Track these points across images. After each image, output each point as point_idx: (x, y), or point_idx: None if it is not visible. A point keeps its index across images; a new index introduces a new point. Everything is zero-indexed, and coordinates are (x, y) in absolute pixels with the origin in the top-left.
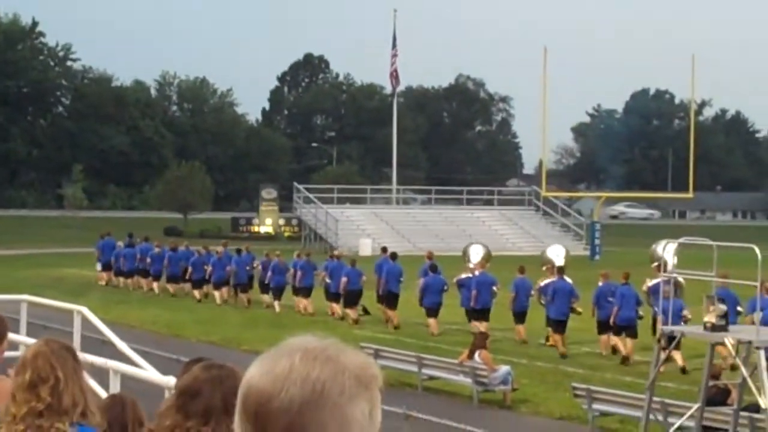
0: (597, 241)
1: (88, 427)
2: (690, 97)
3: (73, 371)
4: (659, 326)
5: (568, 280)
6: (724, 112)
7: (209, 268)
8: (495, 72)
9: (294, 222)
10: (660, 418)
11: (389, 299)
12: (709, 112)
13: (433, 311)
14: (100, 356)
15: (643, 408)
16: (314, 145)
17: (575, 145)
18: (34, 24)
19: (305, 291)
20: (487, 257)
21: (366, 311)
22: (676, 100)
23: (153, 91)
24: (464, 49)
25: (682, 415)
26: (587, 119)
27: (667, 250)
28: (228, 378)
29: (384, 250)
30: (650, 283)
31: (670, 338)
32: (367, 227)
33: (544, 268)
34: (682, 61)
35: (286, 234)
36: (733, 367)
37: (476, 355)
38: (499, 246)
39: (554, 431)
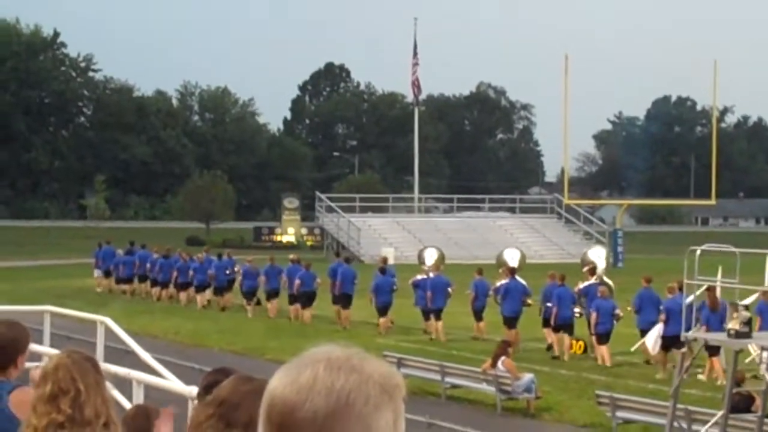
0: (620, 249)
1: None
2: (712, 103)
3: (95, 383)
4: (593, 324)
5: (521, 280)
6: (746, 118)
7: (192, 273)
8: (516, 80)
9: (316, 231)
10: (684, 425)
11: (343, 300)
12: (731, 119)
13: (383, 310)
14: (124, 366)
15: (667, 415)
16: (336, 154)
17: (597, 153)
18: (56, 35)
19: (273, 294)
20: (441, 260)
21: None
22: (698, 107)
23: (174, 101)
24: (485, 57)
25: (706, 422)
26: (609, 126)
27: (597, 254)
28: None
29: (337, 254)
30: (581, 285)
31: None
32: (389, 236)
33: (500, 270)
34: (704, 67)
35: (309, 243)
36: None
37: (500, 363)
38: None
39: None
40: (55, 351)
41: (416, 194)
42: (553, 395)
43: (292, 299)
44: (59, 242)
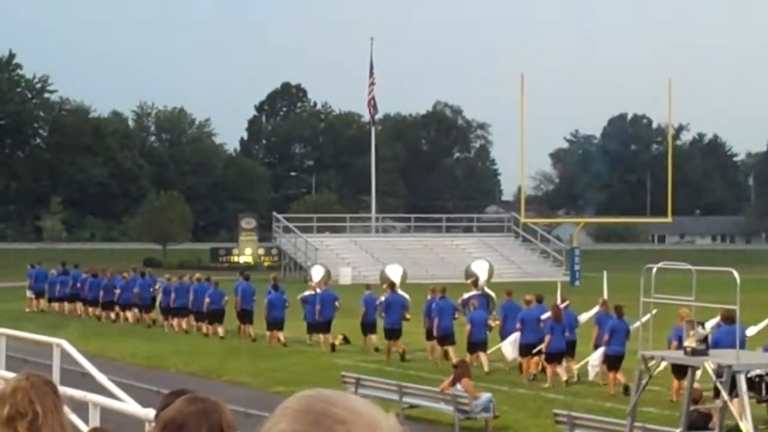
0: (576, 267)
1: None
2: (667, 121)
3: (53, 406)
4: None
5: (402, 293)
6: (701, 136)
7: (118, 291)
8: (472, 99)
9: (274, 251)
10: None
11: (243, 316)
12: (686, 137)
13: (277, 325)
14: (80, 389)
15: None
16: (293, 174)
17: (554, 171)
18: (11, 56)
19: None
20: (328, 276)
21: (347, 340)
22: (654, 125)
23: (131, 122)
24: (441, 77)
25: None
26: (565, 145)
27: (480, 267)
28: (212, 412)
29: (241, 273)
30: (465, 296)
31: (648, 363)
32: (346, 256)
33: (384, 286)
34: (659, 86)
35: (266, 263)
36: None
37: (458, 384)
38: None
39: None
40: (11, 374)
41: (373, 214)
42: (511, 414)
43: (200, 317)
44: (15, 264)
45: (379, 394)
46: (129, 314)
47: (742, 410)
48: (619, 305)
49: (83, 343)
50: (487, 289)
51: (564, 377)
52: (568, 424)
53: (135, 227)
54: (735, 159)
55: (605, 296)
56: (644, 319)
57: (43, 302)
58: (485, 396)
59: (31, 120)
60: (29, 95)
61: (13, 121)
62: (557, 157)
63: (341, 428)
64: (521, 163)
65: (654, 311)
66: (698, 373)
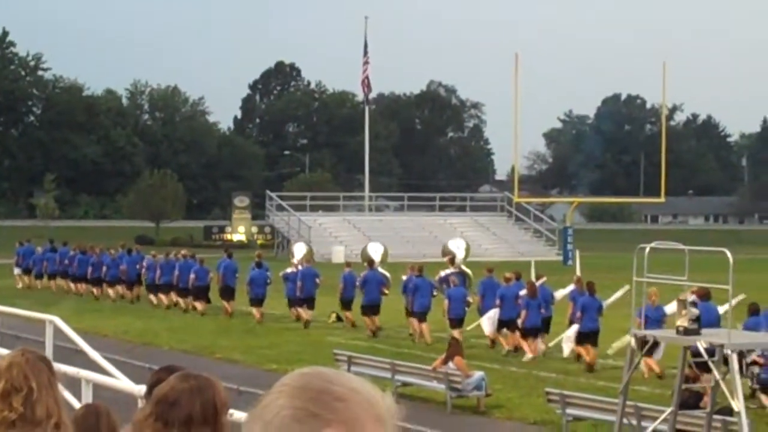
0: (569, 246)
1: None
2: (661, 102)
3: (47, 382)
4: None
5: (382, 271)
6: (695, 116)
7: (105, 268)
8: (466, 78)
9: (267, 230)
10: (633, 422)
11: (226, 292)
12: (680, 117)
13: (257, 302)
14: (73, 366)
15: (617, 412)
16: (286, 152)
17: (547, 151)
18: (5, 34)
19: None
20: (310, 254)
21: (339, 318)
22: (648, 105)
23: (124, 100)
24: (435, 56)
25: (655, 418)
26: (559, 125)
27: (456, 245)
28: (206, 388)
29: (225, 250)
30: (442, 273)
31: (644, 342)
32: (339, 234)
33: (365, 264)
34: (654, 66)
35: (259, 242)
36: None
37: (450, 362)
38: (472, 252)
39: None
40: (4, 350)
41: (367, 193)
42: (504, 392)
43: (185, 293)
44: (8, 242)
45: (371, 372)
46: (111, 291)
47: (734, 389)
48: (590, 282)
49: (76, 320)
50: (463, 267)
51: (535, 353)
52: (560, 402)
53: (128, 205)
54: (728, 140)
55: (578, 274)
56: (616, 295)
57: (30, 279)
58: (477, 374)
59: (24, 98)
60: (23, 73)
61: (6, 99)
62: (551, 137)
63: (340, 405)
64: (515, 142)
65: (626, 287)
66: (660, 352)
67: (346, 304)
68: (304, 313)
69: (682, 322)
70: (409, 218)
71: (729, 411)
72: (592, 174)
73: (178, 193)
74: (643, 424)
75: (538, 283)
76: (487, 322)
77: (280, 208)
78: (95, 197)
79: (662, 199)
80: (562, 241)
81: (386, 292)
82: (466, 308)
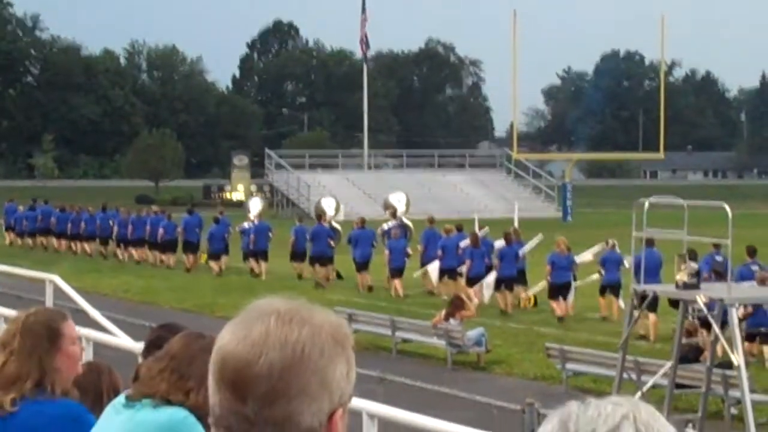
0: (569, 203)
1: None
2: (660, 58)
3: (30, 346)
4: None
5: (334, 224)
6: (694, 72)
7: (83, 225)
8: (465, 36)
9: (266, 188)
10: (633, 376)
11: (186, 247)
12: (679, 73)
13: (216, 256)
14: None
15: (617, 367)
16: (285, 111)
17: (546, 108)
18: None
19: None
20: (265, 209)
21: (339, 276)
22: (646, 62)
23: (122, 60)
24: (434, 14)
25: (655, 373)
26: (558, 82)
27: (397, 198)
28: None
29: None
30: (385, 226)
31: (643, 297)
32: (339, 192)
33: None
34: (652, 22)
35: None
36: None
37: (451, 319)
38: (472, 209)
39: (528, 391)
40: (5, 310)
41: (366, 150)
42: (504, 348)
43: (155, 247)
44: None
45: (372, 329)
46: (88, 246)
47: (733, 343)
48: (507, 231)
49: (76, 279)
50: (405, 219)
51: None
52: (559, 357)
53: (127, 165)
54: (727, 95)
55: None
56: (531, 243)
57: (9, 235)
58: (477, 330)
59: (22, 58)
60: (20, 33)
61: (4, 60)
62: (549, 93)
63: (309, 326)
64: (513, 99)
65: (540, 236)
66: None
67: (298, 256)
68: (255, 266)
69: (682, 277)
70: (409, 176)
71: (729, 365)
72: (591, 130)
73: (177, 153)
74: (643, 378)
75: (480, 234)
76: (433, 271)
77: (279, 166)
78: (94, 157)
79: (661, 155)
80: (561, 197)
81: (332, 245)
82: (406, 259)
